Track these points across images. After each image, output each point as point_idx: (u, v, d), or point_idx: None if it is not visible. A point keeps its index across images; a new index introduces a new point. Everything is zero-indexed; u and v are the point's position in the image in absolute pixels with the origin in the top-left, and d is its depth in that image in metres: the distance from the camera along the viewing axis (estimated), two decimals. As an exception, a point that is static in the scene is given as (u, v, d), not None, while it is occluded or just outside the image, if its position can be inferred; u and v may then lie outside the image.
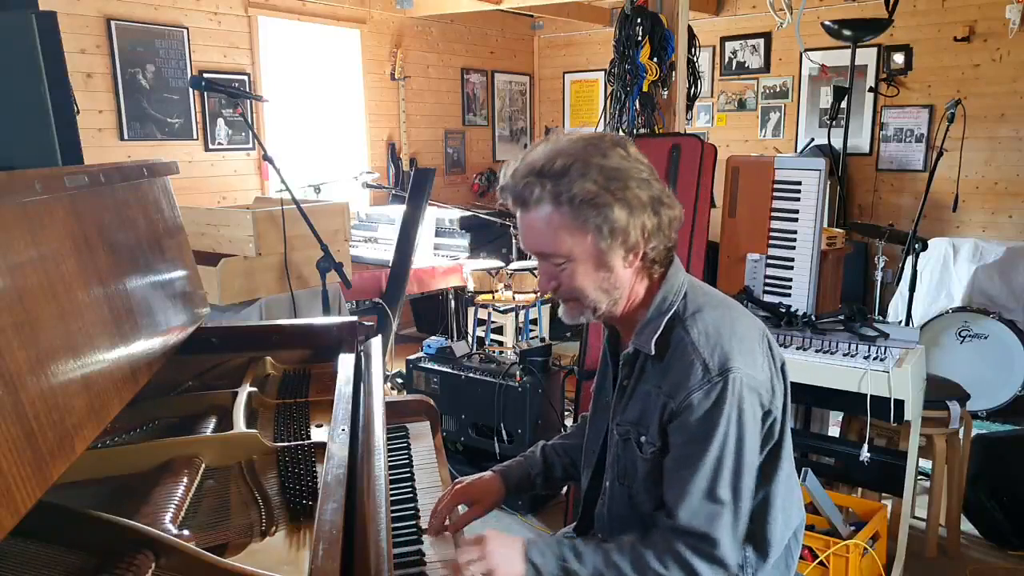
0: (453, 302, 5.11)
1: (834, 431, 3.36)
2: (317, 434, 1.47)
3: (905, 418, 2.38)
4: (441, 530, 1.45)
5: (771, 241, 3.20)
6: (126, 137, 4.51)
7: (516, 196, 1.28)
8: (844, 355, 2.50)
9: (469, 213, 5.27)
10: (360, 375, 1.66)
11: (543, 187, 1.24)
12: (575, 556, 1.26)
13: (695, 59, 3.73)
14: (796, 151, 6.04)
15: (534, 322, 4.80)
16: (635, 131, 3.49)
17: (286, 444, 1.37)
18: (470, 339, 4.76)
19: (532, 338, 4.73)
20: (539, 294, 4.50)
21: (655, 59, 3.44)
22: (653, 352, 1.29)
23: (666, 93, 3.55)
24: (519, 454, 1.67)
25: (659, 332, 1.29)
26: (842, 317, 2.72)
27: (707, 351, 1.25)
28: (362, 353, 1.79)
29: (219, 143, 5.01)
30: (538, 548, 1.27)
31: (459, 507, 1.53)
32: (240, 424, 1.40)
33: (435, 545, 1.44)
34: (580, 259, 1.27)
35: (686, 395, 1.24)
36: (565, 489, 3.13)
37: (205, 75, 4.61)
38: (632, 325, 1.36)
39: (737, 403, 1.23)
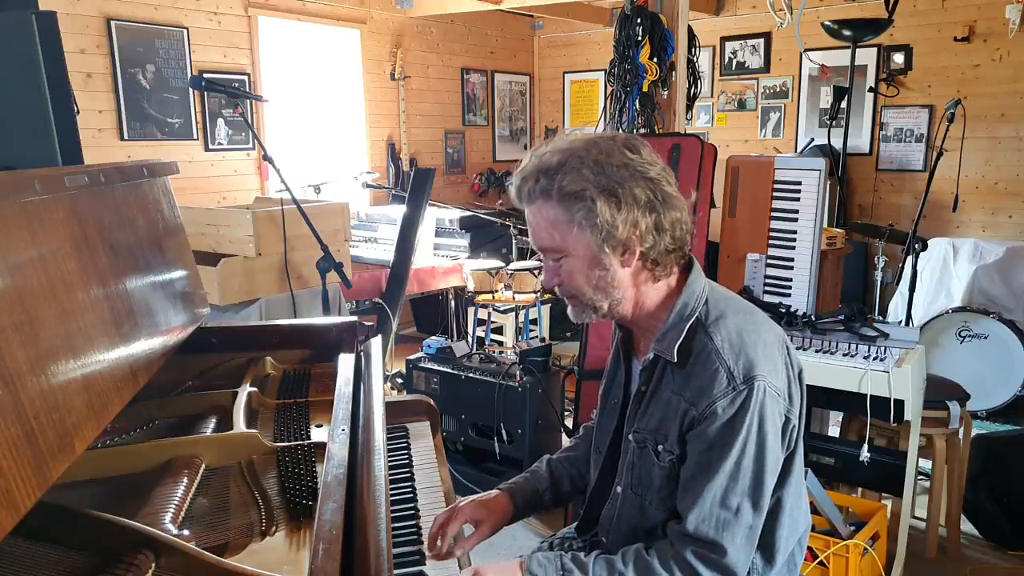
0: (453, 302, 5.11)
1: (834, 431, 3.36)
2: (317, 434, 1.47)
3: (905, 418, 2.38)
4: (445, 554, 1.37)
5: (771, 241, 3.20)
6: (126, 137, 4.51)
7: (517, 191, 1.30)
8: (844, 355, 2.50)
9: (469, 213, 5.27)
10: (360, 375, 1.66)
11: (537, 181, 1.25)
12: (576, 565, 1.24)
13: (695, 59, 3.73)
14: (796, 151, 6.04)
15: (534, 322, 4.80)
16: (635, 131, 3.50)
17: (286, 444, 1.37)
18: (470, 339, 4.76)
19: (532, 338, 4.73)
20: (539, 294, 4.50)
21: (655, 59, 3.44)
22: (676, 359, 1.27)
23: (666, 93, 3.56)
24: (524, 470, 1.60)
25: (681, 338, 1.27)
26: (842, 317, 2.72)
27: (731, 358, 1.23)
28: (362, 353, 1.79)
29: (219, 143, 5.01)
30: (537, 561, 1.25)
31: (464, 527, 1.45)
32: (240, 424, 1.40)
33: (437, 568, 1.37)
34: (574, 255, 1.26)
35: (710, 403, 1.22)
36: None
37: (205, 75, 4.61)
38: (649, 330, 1.34)
39: (759, 411, 1.21)
